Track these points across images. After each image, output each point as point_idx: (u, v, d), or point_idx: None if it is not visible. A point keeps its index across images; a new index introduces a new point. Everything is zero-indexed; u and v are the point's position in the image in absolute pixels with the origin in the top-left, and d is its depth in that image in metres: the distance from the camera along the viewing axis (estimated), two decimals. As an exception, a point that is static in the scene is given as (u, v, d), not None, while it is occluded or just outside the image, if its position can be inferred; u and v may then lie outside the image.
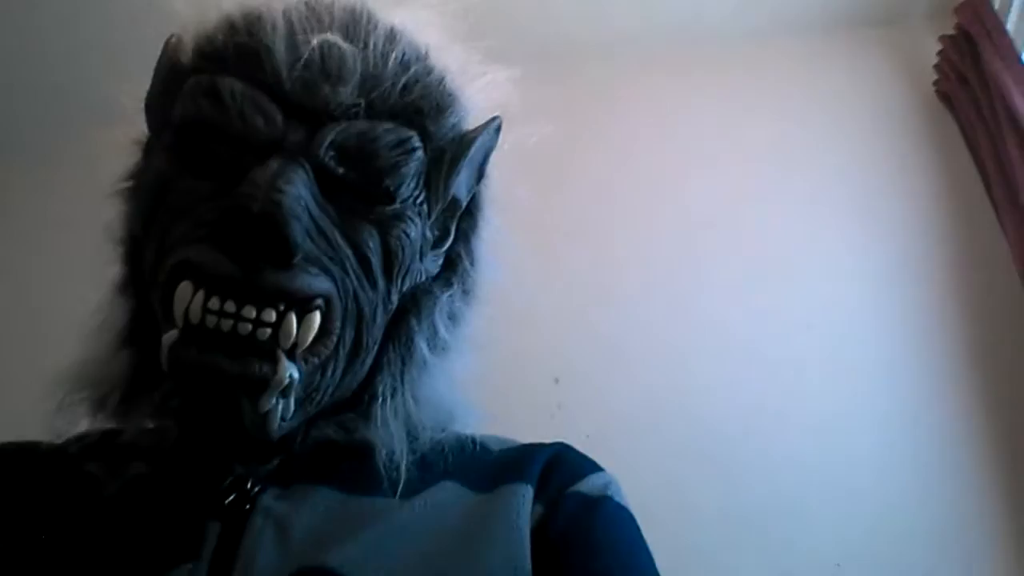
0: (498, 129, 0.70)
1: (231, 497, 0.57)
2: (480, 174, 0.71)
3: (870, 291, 1.81)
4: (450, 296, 0.67)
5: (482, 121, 0.68)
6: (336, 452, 0.60)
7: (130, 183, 0.66)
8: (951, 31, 1.89)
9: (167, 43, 0.64)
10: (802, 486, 1.61)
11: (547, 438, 0.69)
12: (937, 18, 2.02)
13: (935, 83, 1.97)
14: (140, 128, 0.68)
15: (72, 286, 0.72)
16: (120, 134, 0.69)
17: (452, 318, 0.67)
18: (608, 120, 2.08)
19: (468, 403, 0.68)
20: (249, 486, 0.57)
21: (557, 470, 0.63)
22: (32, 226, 2.23)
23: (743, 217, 1.94)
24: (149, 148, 0.67)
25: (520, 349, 0.77)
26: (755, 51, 2.13)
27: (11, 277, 2.17)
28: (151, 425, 0.62)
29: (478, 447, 0.66)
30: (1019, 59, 1.69)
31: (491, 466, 0.63)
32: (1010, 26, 1.79)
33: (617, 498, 0.63)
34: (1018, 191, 1.58)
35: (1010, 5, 1.80)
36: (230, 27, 0.61)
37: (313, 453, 0.60)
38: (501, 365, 0.73)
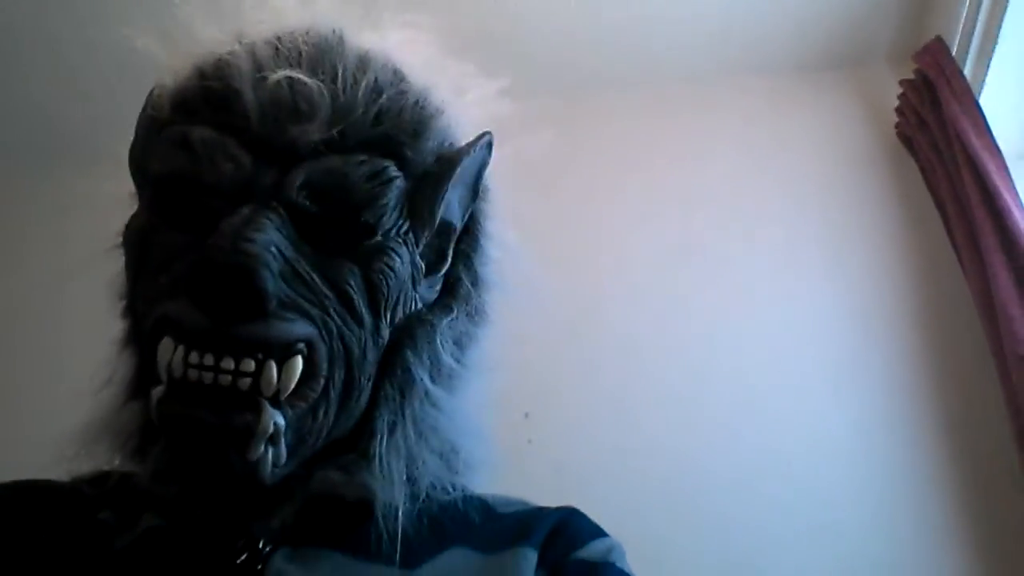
0: (490, 144, 0.68)
1: (242, 557, 0.56)
2: (475, 192, 0.69)
3: (831, 328, 1.83)
4: (452, 321, 0.65)
5: (474, 136, 0.67)
6: (343, 510, 0.59)
7: (122, 237, 0.65)
8: (911, 75, 1.94)
9: (149, 95, 0.64)
10: (770, 511, 1.61)
11: (517, 473, 0.68)
12: (898, 62, 2.08)
13: (896, 125, 2.02)
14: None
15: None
16: (114, 186, 0.67)
17: (458, 343, 0.66)
18: (581, 154, 2.10)
19: (477, 432, 0.66)
20: (260, 545, 0.57)
21: (561, 536, 0.63)
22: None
23: (712, 251, 1.96)
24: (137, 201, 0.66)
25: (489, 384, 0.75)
26: (723, 90, 2.17)
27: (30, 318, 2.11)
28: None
29: (487, 508, 0.65)
30: (976, 103, 1.74)
31: (500, 528, 0.63)
32: (967, 71, 1.85)
33: (619, 564, 0.62)
34: (977, 233, 1.61)
35: (967, 50, 1.86)
36: (200, 75, 0.60)
37: (320, 509, 0.59)
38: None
